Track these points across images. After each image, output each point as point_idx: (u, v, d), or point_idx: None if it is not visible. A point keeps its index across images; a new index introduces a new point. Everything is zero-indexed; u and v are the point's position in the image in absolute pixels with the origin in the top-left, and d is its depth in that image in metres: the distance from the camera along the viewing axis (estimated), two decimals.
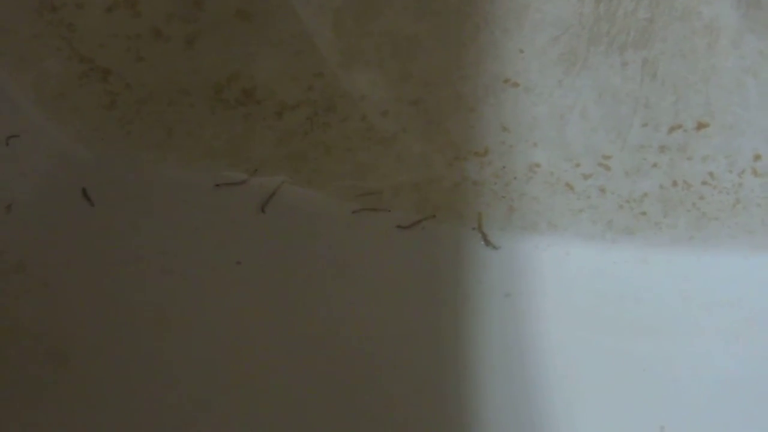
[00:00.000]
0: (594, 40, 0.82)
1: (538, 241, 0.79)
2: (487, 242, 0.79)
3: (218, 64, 0.83)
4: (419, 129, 0.82)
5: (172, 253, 0.79)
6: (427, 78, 0.82)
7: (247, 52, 0.83)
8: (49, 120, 0.81)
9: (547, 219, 0.79)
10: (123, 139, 0.82)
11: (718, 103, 0.80)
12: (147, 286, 0.78)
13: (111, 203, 0.80)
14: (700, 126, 0.80)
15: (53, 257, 0.79)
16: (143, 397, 0.75)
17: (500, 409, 0.75)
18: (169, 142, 0.82)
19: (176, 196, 0.81)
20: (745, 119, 0.79)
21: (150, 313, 0.77)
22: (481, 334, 0.77)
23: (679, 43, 0.81)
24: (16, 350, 0.75)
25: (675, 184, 0.79)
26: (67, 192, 0.80)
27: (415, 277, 0.79)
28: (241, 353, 0.77)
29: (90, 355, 0.76)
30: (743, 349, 0.76)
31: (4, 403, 0.74)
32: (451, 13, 0.82)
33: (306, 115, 0.82)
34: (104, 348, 0.76)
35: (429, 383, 0.77)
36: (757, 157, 0.78)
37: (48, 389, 0.75)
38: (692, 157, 0.79)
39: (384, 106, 0.82)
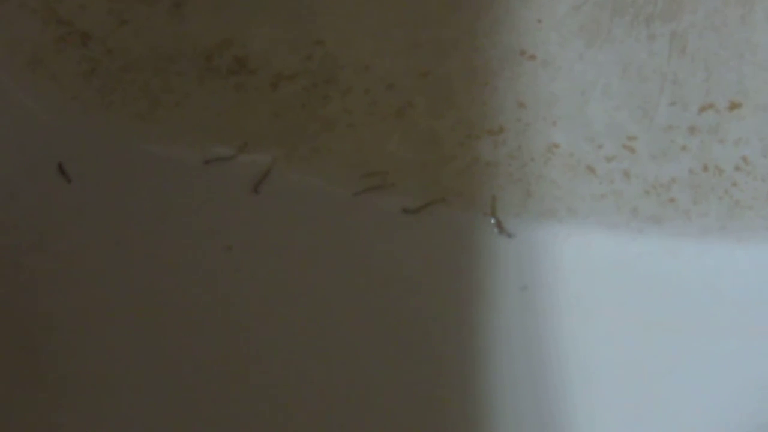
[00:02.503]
0: (618, 11, 0.77)
1: (556, 230, 0.74)
2: (501, 229, 0.75)
3: (208, 29, 0.78)
4: (428, 104, 0.77)
5: (156, 237, 0.75)
6: (436, 48, 0.78)
7: (240, 16, 0.79)
8: (22, 88, 0.77)
9: (567, 205, 0.75)
10: (103, 110, 0.77)
11: (752, 81, 0.76)
12: (129, 273, 0.74)
13: (90, 180, 0.76)
14: (733, 106, 0.75)
15: (24, 239, 0.74)
16: (123, 391, 0.71)
17: (515, 410, 0.71)
18: (153, 113, 0.77)
19: (161, 174, 0.76)
20: None
21: (132, 302, 0.73)
22: (495, 331, 0.73)
23: (710, 16, 0.77)
24: None
25: (706, 168, 0.75)
26: (41, 167, 0.76)
27: (422, 267, 0.75)
28: (231, 345, 0.73)
29: (63, 348, 0.72)
30: None
31: None
32: None
33: (304, 87, 0.78)
34: (79, 341, 0.72)
35: (437, 382, 0.72)
36: None
37: (18, 384, 0.71)
38: (724, 140, 0.75)
39: (389, 78, 0.78)
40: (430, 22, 0.78)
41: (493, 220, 0.75)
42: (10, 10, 0.78)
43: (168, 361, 0.72)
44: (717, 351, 0.72)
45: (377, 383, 0.72)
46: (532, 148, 0.76)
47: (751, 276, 0.73)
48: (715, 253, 0.74)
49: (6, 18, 0.78)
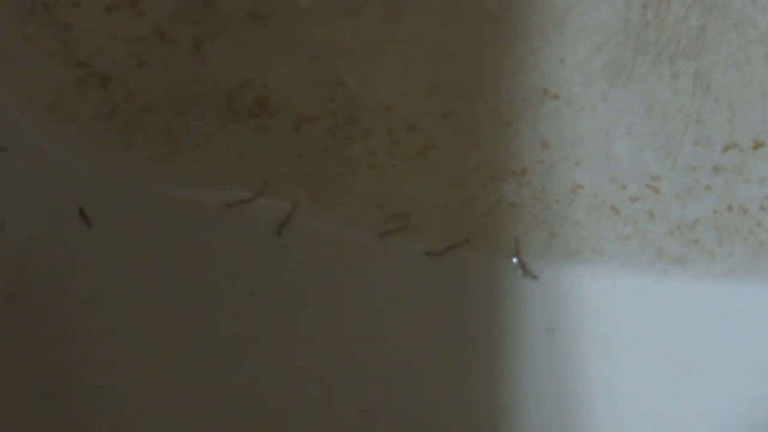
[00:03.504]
0: (641, 49, 0.76)
1: (581, 271, 0.74)
2: (526, 271, 0.74)
3: (229, 70, 0.77)
4: (450, 145, 0.76)
5: (178, 281, 0.74)
6: (459, 89, 0.77)
7: (260, 57, 0.77)
8: (41, 131, 0.76)
9: (591, 246, 0.74)
10: (124, 152, 0.76)
11: None
12: (150, 319, 0.73)
13: (110, 224, 0.75)
14: (757, 145, 0.75)
15: (46, 284, 0.73)
16: None
17: None
18: (174, 156, 0.76)
19: (182, 217, 0.75)
20: None
21: (154, 349, 0.72)
22: (519, 374, 0.73)
23: (733, 54, 0.76)
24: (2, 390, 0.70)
25: (730, 209, 0.74)
26: (62, 211, 0.75)
27: (446, 310, 0.74)
28: (254, 392, 0.72)
29: (85, 396, 0.71)
30: None
31: None
32: (485, 17, 0.77)
33: (326, 128, 0.77)
34: (101, 389, 0.71)
35: (463, 426, 0.72)
36: None
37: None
38: (749, 180, 0.74)
39: (412, 119, 0.77)
40: (453, 62, 0.77)
41: (516, 261, 0.74)
42: (29, 52, 0.76)
43: (189, 407, 0.71)
44: (744, 393, 0.72)
45: (403, 426, 0.72)
46: (556, 189, 0.75)
47: None
48: (740, 294, 0.73)
49: (25, 60, 0.76)
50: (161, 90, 0.77)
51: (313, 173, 0.76)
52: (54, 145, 0.76)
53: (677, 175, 0.75)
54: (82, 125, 0.76)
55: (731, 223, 0.74)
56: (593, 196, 0.75)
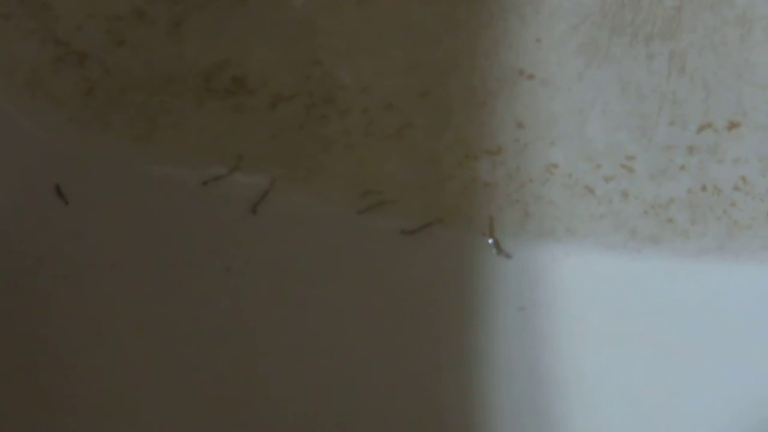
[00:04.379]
0: (617, 30, 0.77)
1: (555, 250, 0.73)
2: (499, 250, 0.74)
3: (207, 49, 0.78)
4: (426, 124, 0.76)
5: (154, 259, 0.74)
6: (435, 68, 0.77)
7: (238, 36, 0.78)
8: (19, 109, 0.76)
9: (565, 225, 0.74)
10: (101, 130, 0.76)
11: (751, 100, 0.75)
12: (126, 296, 0.73)
13: (87, 202, 0.75)
14: (732, 125, 0.75)
15: (22, 261, 0.74)
16: (120, 412, 0.71)
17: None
18: (151, 134, 0.76)
19: (159, 195, 0.75)
20: None
21: (129, 326, 0.72)
22: (492, 352, 0.72)
23: (709, 35, 0.76)
24: None
25: (704, 188, 0.74)
26: (39, 188, 0.75)
27: (420, 287, 0.74)
28: (230, 369, 0.72)
29: (59, 373, 0.72)
30: None
31: None
32: None
33: (302, 107, 0.77)
34: (75, 366, 0.72)
35: (432, 405, 0.72)
36: None
37: (16, 405, 0.71)
38: (723, 160, 0.74)
39: (388, 98, 0.77)
40: (429, 42, 0.77)
41: (491, 241, 0.74)
42: (7, 30, 0.77)
43: (164, 385, 0.71)
44: (716, 372, 0.72)
45: (374, 406, 0.72)
46: (530, 169, 0.75)
47: (749, 296, 0.72)
48: (713, 273, 0.73)
49: (3, 39, 0.77)
50: (139, 69, 0.77)
51: (289, 151, 0.76)
52: (31, 123, 0.76)
53: (652, 155, 0.75)
54: (60, 103, 0.76)
55: (705, 202, 0.74)
56: (567, 176, 0.75)
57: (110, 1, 0.77)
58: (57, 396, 0.71)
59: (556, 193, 0.75)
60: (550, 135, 0.75)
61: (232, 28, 0.77)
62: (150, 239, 0.74)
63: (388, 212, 0.74)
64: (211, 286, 0.73)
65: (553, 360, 0.71)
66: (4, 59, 0.77)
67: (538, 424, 0.70)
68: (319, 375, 0.72)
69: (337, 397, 0.71)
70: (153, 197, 0.75)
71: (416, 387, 0.72)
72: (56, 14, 0.77)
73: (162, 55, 0.77)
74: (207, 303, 0.73)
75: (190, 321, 0.72)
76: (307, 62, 0.77)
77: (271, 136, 0.76)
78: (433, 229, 0.75)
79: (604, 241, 0.74)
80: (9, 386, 0.70)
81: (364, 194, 0.75)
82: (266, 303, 0.73)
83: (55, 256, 0.74)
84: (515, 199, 0.75)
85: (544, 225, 0.74)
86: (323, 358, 0.72)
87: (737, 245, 0.73)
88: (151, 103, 0.77)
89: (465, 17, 0.77)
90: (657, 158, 0.75)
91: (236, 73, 0.77)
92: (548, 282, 0.73)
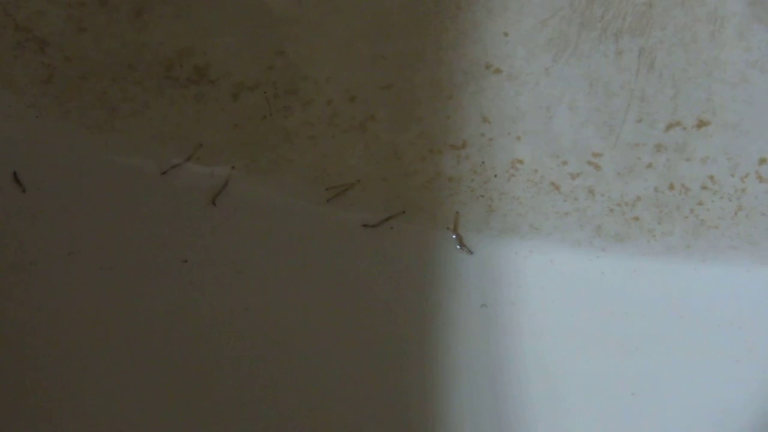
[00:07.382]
0: (586, 25, 0.76)
1: (518, 246, 0.73)
2: (462, 245, 0.73)
3: (169, 37, 0.76)
4: (390, 117, 0.76)
5: (111, 248, 0.73)
6: (400, 61, 0.76)
7: (201, 25, 0.77)
8: None
9: (530, 222, 0.73)
10: (60, 118, 0.75)
11: (720, 99, 0.74)
12: (83, 285, 0.72)
13: (45, 189, 0.74)
14: (701, 124, 0.74)
15: None
16: (73, 408, 0.70)
17: (476, 427, 0.70)
18: (111, 122, 0.75)
19: (118, 184, 0.74)
20: (749, 118, 0.74)
21: (86, 315, 0.71)
22: (453, 348, 0.71)
23: (679, 32, 0.75)
24: None
25: (672, 187, 0.73)
26: None
27: (382, 283, 0.73)
28: (183, 360, 0.71)
29: (16, 362, 0.70)
30: (743, 374, 0.70)
31: None
32: None
33: (265, 98, 0.76)
34: (33, 355, 0.70)
35: (393, 400, 0.71)
36: (763, 161, 0.73)
37: None
38: (691, 158, 0.73)
39: (352, 90, 0.76)
40: (395, 34, 0.76)
41: (454, 236, 0.73)
42: None
43: (120, 373, 0.70)
44: (679, 371, 0.71)
45: (334, 399, 0.71)
46: (495, 164, 0.74)
47: (715, 296, 0.72)
48: (679, 272, 0.72)
49: None
50: (100, 56, 0.76)
51: (251, 142, 0.75)
52: None
53: (619, 153, 0.74)
54: (19, 89, 0.75)
55: (672, 201, 0.73)
56: (533, 172, 0.74)
57: None
58: (13, 384, 0.70)
59: (521, 189, 0.74)
60: (516, 130, 0.74)
61: (196, 16, 0.76)
62: (108, 228, 0.73)
63: (349, 205, 0.73)
64: (168, 277, 0.72)
65: (516, 357, 0.71)
66: None
67: (500, 420, 0.69)
68: (276, 367, 0.71)
69: (295, 389, 0.70)
70: (112, 186, 0.74)
71: (377, 381, 0.71)
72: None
73: (124, 42, 0.76)
74: (163, 293, 0.72)
75: (145, 310, 0.71)
76: (271, 52, 0.76)
77: (233, 126, 0.75)
78: (396, 222, 0.74)
79: (568, 238, 0.73)
80: None
81: (326, 188, 0.74)
82: (223, 295, 0.72)
83: (11, 245, 0.72)
84: (479, 194, 0.74)
85: (508, 221, 0.73)
86: (281, 352, 0.71)
87: (704, 245, 0.72)
88: (112, 91, 0.76)
89: (432, 9, 0.76)
90: (624, 156, 0.74)
91: (199, 62, 0.76)
92: (511, 278, 0.72)
